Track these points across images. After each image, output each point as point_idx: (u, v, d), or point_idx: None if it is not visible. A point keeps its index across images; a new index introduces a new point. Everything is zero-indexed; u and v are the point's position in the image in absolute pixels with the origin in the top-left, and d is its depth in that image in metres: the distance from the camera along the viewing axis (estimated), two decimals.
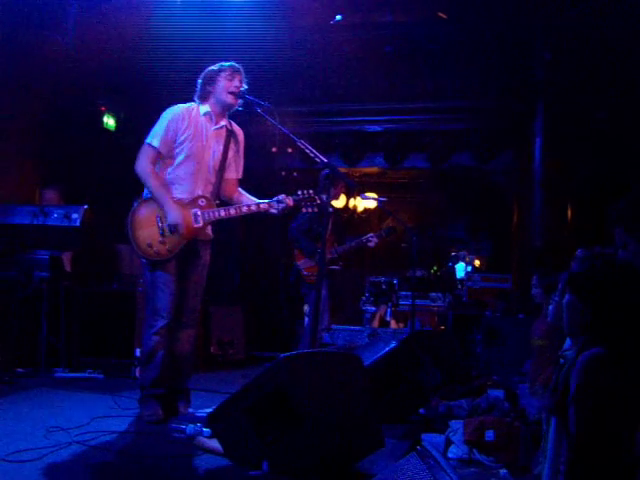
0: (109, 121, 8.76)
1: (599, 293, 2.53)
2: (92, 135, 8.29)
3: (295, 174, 10.83)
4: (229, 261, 9.66)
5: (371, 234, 7.02)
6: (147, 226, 4.43)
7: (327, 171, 6.63)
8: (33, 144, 7.42)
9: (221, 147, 4.67)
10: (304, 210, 4.64)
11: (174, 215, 4.39)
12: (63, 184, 7.13)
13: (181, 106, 4.61)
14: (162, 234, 4.42)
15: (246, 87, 4.58)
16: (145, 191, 4.57)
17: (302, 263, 6.72)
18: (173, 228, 4.40)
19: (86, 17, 7.27)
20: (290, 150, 9.81)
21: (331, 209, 6.54)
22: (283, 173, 10.75)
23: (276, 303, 9.50)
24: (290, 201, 4.57)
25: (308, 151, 4.32)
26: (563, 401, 2.46)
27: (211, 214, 4.53)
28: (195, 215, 4.49)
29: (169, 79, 7.59)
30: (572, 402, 2.37)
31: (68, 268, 6.79)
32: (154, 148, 4.48)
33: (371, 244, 7.00)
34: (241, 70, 4.61)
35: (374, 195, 7.64)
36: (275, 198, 4.59)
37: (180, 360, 4.65)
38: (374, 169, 11.56)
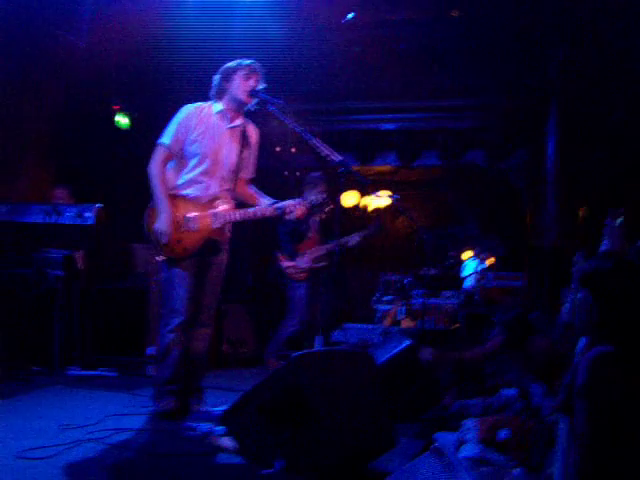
0: (122, 120, 8.78)
1: (608, 290, 2.52)
2: (106, 134, 8.33)
3: (298, 173, 10.80)
4: (241, 259, 9.66)
5: (354, 234, 7.02)
6: None
7: (316, 173, 6.70)
8: (47, 143, 7.46)
9: (236, 146, 4.66)
10: (315, 218, 4.68)
11: (162, 223, 4.39)
12: (75, 183, 7.16)
13: (192, 105, 4.62)
14: (179, 232, 4.43)
15: (264, 86, 4.58)
16: None
17: (285, 261, 6.78)
18: (157, 235, 4.40)
19: (99, 17, 7.30)
20: (293, 150, 9.79)
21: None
22: (298, 174, 10.75)
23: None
24: (304, 207, 4.60)
25: (322, 149, 4.31)
26: (571, 399, 2.45)
27: (229, 216, 4.54)
28: (214, 216, 4.51)
29: (182, 78, 7.63)
30: (577, 400, 2.36)
31: (81, 266, 6.81)
32: (165, 146, 4.51)
33: (350, 244, 7.03)
34: (260, 69, 4.59)
35: (387, 193, 7.62)
36: (289, 202, 4.61)
37: (194, 358, 4.65)
38: (387, 167, 11.56)
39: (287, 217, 4.62)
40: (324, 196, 4.63)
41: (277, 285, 6.96)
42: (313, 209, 4.64)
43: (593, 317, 2.55)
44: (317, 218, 6.81)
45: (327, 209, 4.68)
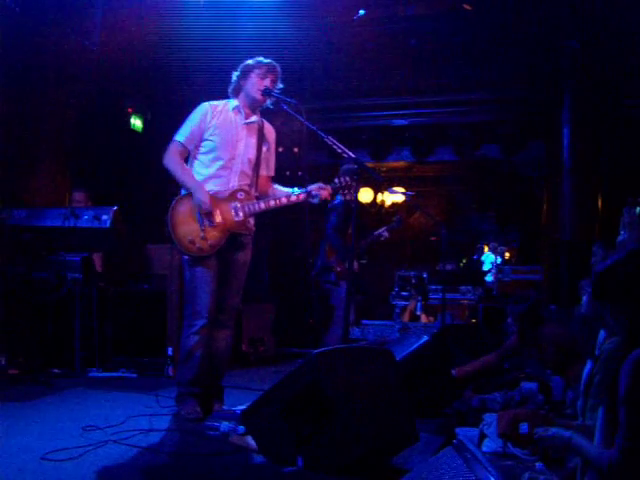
0: (136, 122, 8.82)
1: (634, 289, 2.48)
2: (120, 136, 8.36)
3: (300, 173, 10.76)
4: (258, 258, 9.68)
5: (383, 228, 7.06)
6: (187, 223, 4.45)
7: (348, 165, 6.67)
8: (62, 147, 7.50)
9: (254, 141, 4.68)
10: (342, 197, 4.64)
11: (200, 195, 4.42)
12: (91, 186, 7.20)
13: (207, 103, 4.66)
14: (203, 230, 4.43)
15: (281, 86, 4.61)
16: (183, 189, 4.62)
17: (335, 259, 6.70)
18: (200, 208, 4.42)
19: (111, 19, 7.33)
20: (296, 150, 9.77)
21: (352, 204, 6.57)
22: (300, 173, 10.72)
23: (306, 299, 9.51)
24: (328, 189, 4.58)
25: (336, 147, 4.32)
26: (613, 399, 2.42)
27: (251, 207, 4.54)
28: (235, 209, 4.51)
29: (195, 79, 7.65)
30: (623, 404, 2.33)
31: (99, 269, 6.86)
32: (179, 143, 4.56)
33: (383, 238, 7.05)
34: (277, 69, 4.62)
35: (402, 189, 7.64)
36: (313, 186, 4.59)
37: (216, 359, 4.66)
38: (401, 163, 11.53)
39: (312, 200, 4.57)
40: (346, 178, 4.58)
41: (321, 283, 6.89)
42: (337, 191, 4.61)
43: (622, 321, 2.50)
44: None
45: (352, 191, 4.62)
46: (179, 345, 4.72)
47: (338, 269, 6.63)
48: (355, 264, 6.79)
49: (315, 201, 4.61)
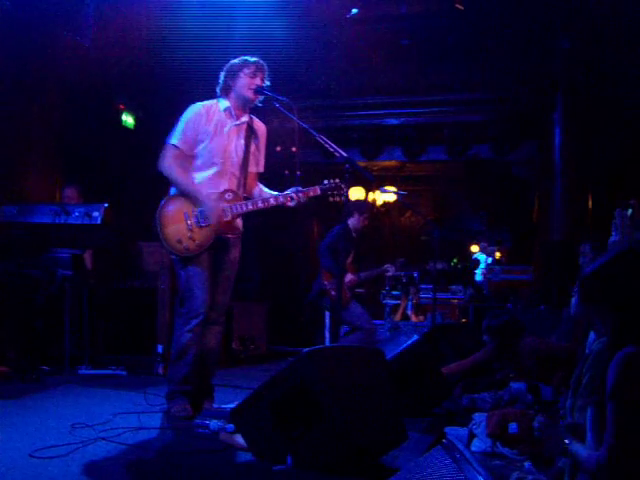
0: (128, 119, 8.81)
1: (620, 290, 2.49)
2: (111, 133, 8.35)
3: (298, 172, 10.75)
4: (250, 257, 9.68)
5: (388, 264, 7.09)
6: (175, 222, 4.45)
7: (359, 202, 6.64)
8: (53, 143, 7.48)
9: (243, 142, 4.67)
10: (331, 200, 4.60)
11: (207, 205, 4.42)
12: (82, 182, 7.18)
13: (200, 104, 4.63)
14: (190, 229, 4.43)
15: (268, 84, 4.59)
16: (172, 188, 4.60)
17: (330, 283, 6.56)
18: (206, 219, 4.43)
19: (103, 16, 7.31)
20: (294, 149, 9.76)
21: (354, 234, 6.57)
22: (299, 173, 10.70)
23: (296, 299, 9.53)
24: (317, 190, 4.54)
25: (327, 146, 4.32)
26: (601, 399, 2.43)
27: (239, 207, 4.53)
28: (223, 209, 4.51)
29: (186, 77, 7.63)
30: (609, 402, 2.35)
31: (89, 266, 6.84)
32: (175, 147, 4.52)
33: (389, 273, 7.10)
34: (265, 67, 4.61)
35: (393, 189, 7.65)
36: (289, 190, 4.56)
37: (206, 357, 4.65)
38: (393, 162, 11.56)
39: (289, 204, 4.55)
40: (337, 180, 4.54)
41: (318, 305, 6.85)
42: (326, 192, 4.56)
43: (609, 322, 2.52)
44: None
45: (342, 193, 4.58)
46: (172, 342, 4.71)
47: (332, 293, 6.49)
48: (350, 276, 6.74)
49: (292, 204, 4.56)
